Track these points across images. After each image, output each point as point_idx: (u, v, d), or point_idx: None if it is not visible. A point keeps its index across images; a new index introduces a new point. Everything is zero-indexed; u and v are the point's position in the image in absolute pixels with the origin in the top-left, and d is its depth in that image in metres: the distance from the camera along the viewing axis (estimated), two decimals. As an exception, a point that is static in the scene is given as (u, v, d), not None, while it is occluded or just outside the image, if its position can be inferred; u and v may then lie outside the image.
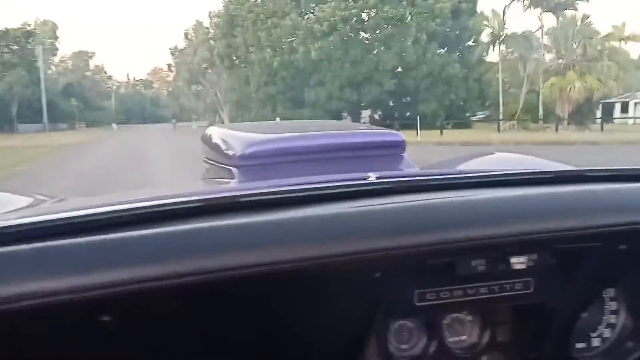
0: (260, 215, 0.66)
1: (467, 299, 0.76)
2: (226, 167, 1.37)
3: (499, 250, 0.67)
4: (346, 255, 0.59)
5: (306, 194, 0.72)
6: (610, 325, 0.97)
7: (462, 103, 34.79)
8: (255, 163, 1.31)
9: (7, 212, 1.09)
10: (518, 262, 0.68)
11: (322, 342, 0.73)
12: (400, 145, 1.43)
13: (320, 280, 0.65)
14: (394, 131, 1.55)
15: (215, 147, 1.52)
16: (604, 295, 0.97)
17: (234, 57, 39.55)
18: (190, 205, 0.67)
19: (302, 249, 0.59)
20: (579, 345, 0.95)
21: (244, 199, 0.72)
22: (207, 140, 1.64)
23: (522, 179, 0.77)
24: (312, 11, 34.46)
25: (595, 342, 0.96)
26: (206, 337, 0.65)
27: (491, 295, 0.76)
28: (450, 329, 0.85)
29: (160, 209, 0.65)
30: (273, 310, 0.65)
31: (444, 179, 0.86)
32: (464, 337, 0.86)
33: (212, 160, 1.54)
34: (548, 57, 33.28)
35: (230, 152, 1.39)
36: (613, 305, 0.97)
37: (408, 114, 31.98)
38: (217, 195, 0.78)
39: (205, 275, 0.55)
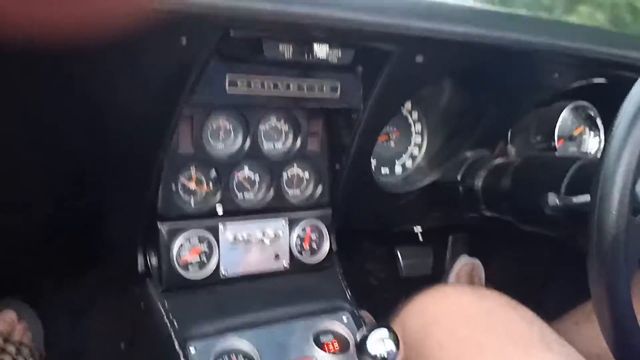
0: None
1: (278, 94, 0.78)
2: None
3: (304, 33, 0.69)
4: None
5: None
6: (412, 157, 1.08)
7: None
8: None
9: None
10: (321, 51, 0.71)
11: (131, 118, 0.71)
12: None
13: (129, 44, 0.62)
14: None
15: None
16: (411, 129, 1.08)
17: None
18: None
19: None
20: (384, 170, 1.06)
21: None
22: None
23: None
24: None
25: (398, 170, 1.07)
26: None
27: (301, 95, 0.80)
28: (266, 135, 0.89)
29: None
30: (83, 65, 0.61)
31: None
32: (279, 145, 0.91)
33: None
34: None
35: None
36: (418, 139, 1.08)
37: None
38: None
39: None
